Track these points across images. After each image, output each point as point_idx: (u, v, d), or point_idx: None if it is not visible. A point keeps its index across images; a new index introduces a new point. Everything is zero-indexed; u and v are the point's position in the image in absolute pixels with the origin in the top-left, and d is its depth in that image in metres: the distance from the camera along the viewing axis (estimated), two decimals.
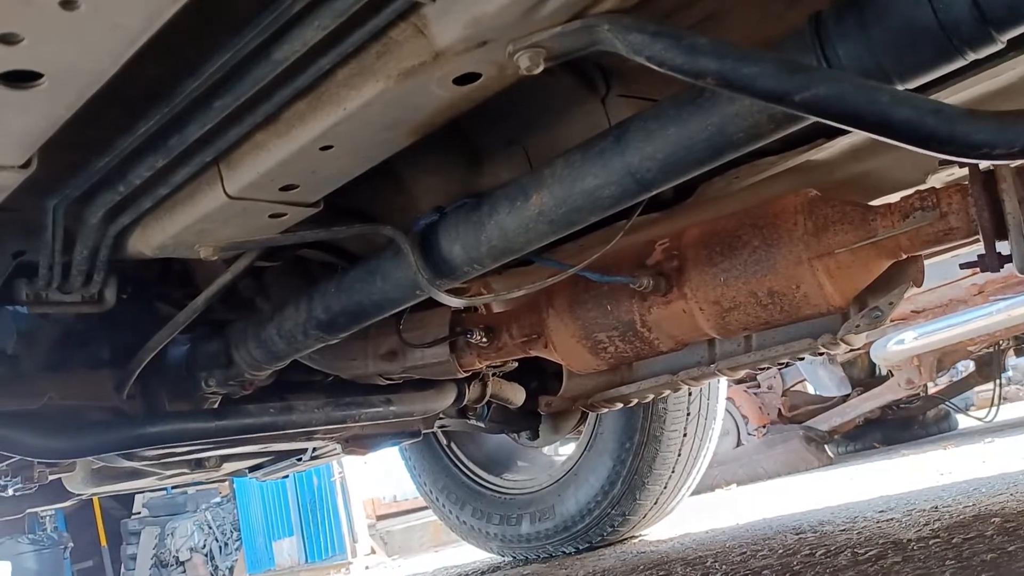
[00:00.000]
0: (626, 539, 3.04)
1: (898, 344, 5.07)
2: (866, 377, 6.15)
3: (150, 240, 1.44)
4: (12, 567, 6.78)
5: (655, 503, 2.92)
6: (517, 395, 2.55)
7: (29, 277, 1.52)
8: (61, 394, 1.69)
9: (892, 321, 5.27)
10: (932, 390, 6.24)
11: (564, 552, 3.07)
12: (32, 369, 1.74)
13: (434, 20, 1.00)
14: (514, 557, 3.26)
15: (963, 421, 6.45)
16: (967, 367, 6.41)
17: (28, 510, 2.58)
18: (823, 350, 1.75)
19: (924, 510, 2.15)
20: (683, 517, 3.36)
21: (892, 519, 2.14)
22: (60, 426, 1.64)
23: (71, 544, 8.40)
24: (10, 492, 1.96)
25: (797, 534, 2.29)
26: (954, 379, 6.59)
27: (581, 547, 3.02)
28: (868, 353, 5.55)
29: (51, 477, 2.06)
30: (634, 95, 1.59)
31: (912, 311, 5.10)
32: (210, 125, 1.14)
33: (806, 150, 1.59)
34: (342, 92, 1.11)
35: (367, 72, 1.08)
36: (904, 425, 6.36)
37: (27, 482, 1.94)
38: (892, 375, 5.66)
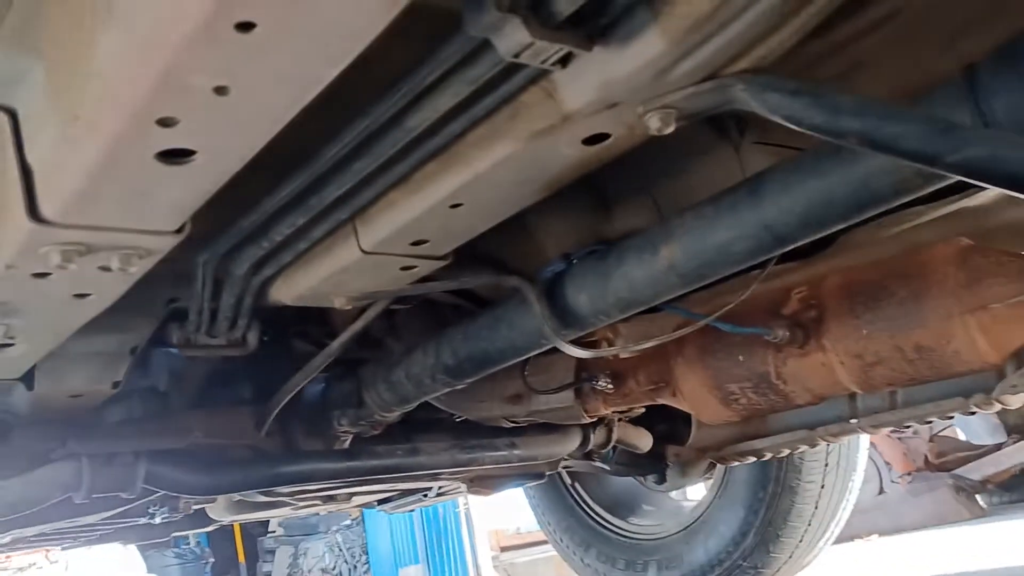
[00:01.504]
0: None
1: None
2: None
3: (290, 291, 1.50)
4: None
5: (790, 557, 2.79)
6: (643, 441, 2.50)
7: (180, 321, 1.62)
8: (205, 432, 1.78)
9: None
10: None
11: None
12: (180, 407, 1.85)
13: (564, 84, 1.00)
14: None
15: None
16: None
17: (173, 534, 2.73)
18: (975, 409, 1.63)
19: None
20: (821, 571, 3.20)
21: None
22: (205, 464, 1.72)
23: (212, 559, 8.84)
24: (157, 520, 2.08)
25: None
26: None
27: None
28: None
29: (195, 507, 2.18)
30: (770, 142, 1.54)
31: None
32: (347, 186, 1.18)
33: (958, 199, 1.50)
34: (472, 153, 1.13)
35: (497, 134, 1.09)
36: None
37: (173, 512, 2.05)
38: None
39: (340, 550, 8.21)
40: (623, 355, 2.22)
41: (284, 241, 1.33)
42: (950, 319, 1.52)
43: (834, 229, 1.20)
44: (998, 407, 1.64)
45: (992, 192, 1.59)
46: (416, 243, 1.35)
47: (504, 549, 7.78)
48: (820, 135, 0.96)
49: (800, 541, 2.74)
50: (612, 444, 2.42)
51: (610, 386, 2.04)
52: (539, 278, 1.57)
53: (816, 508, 2.70)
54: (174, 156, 0.88)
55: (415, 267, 1.44)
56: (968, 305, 1.51)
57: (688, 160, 1.62)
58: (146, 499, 1.91)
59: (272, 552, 8.88)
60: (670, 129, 1.04)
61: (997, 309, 1.52)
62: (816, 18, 0.93)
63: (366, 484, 2.15)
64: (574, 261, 1.55)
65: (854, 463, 2.75)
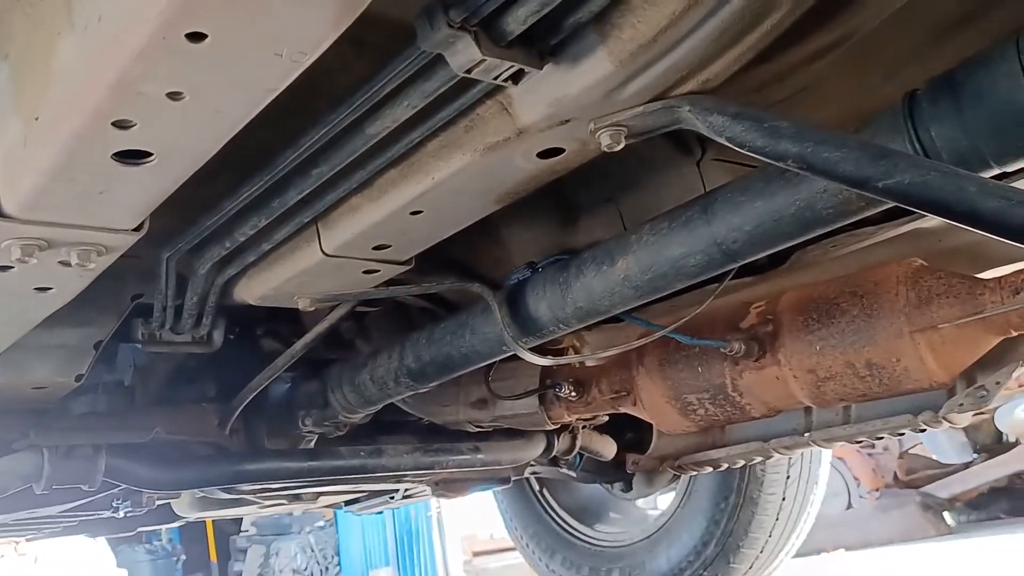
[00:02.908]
0: None
1: None
2: (992, 443, 5.78)
3: (253, 290, 1.53)
4: (128, 574, 7.14)
5: (750, 567, 2.82)
6: (608, 448, 2.53)
7: (145, 318, 1.64)
8: (168, 428, 1.80)
9: (1020, 387, 4.94)
10: None
11: None
12: (145, 402, 1.86)
13: (518, 99, 1.03)
14: None
15: None
16: None
17: (139, 529, 2.73)
18: (924, 427, 1.67)
19: None
20: None
21: None
22: (166, 459, 1.74)
23: (183, 556, 8.80)
24: (121, 514, 2.09)
25: None
26: None
27: None
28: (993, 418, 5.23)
29: (158, 502, 2.19)
30: (729, 160, 1.58)
31: None
32: (308, 190, 1.21)
33: (909, 221, 1.54)
34: (431, 163, 1.16)
35: (455, 145, 1.12)
36: None
37: (136, 507, 2.06)
38: (1019, 443, 5.30)
39: (312, 551, 8.19)
40: (588, 363, 2.25)
41: (247, 242, 1.36)
42: (900, 338, 1.56)
43: (781, 247, 1.24)
44: (946, 425, 1.68)
45: None
46: (378, 247, 1.38)
47: (476, 554, 7.79)
48: (761, 157, 0.99)
49: (760, 552, 2.77)
50: (576, 451, 2.44)
51: (573, 394, 2.06)
52: (503, 285, 1.60)
53: (777, 520, 2.74)
54: (131, 157, 0.90)
55: (377, 271, 1.47)
56: (918, 324, 1.55)
57: (652, 174, 1.66)
58: (109, 492, 1.92)
59: (244, 551, 8.85)
60: (620, 146, 1.07)
61: (946, 329, 1.56)
62: (756, 47, 0.96)
63: (330, 484, 2.16)
64: (539, 269, 1.57)
65: (815, 476, 2.79)
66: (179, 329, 1.64)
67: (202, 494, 2.19)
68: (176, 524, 2.93)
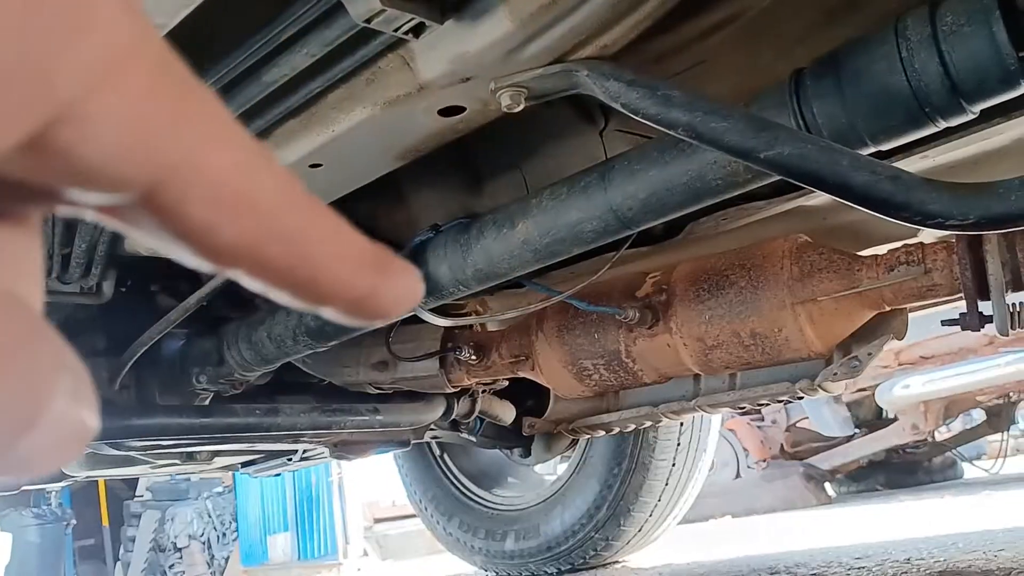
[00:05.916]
0: (608, 564, 3.05)
1: (904, 389, 5.04)
2: (872, 418, 6.12)
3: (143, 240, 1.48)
4: (13, 539, 6.86)
5: (639, 530, 2.92)
6: (507, 413, 2.57)
7: None
8: None
9: (900, 365, 5.24)
10: (942, 437, 6.19)
11: (546, 572, 3.08)
12: None
13: (420, 54, 1.03)
14: (497, 573, 3.27)
15: (969, 471, 6.38)
16: (982, 415, 6.35)
17: (23, 487, 2.63)
18: (801, 394, 1.76)
19: (897, 561, 2.15)
20: (669, 546, 3.37)
21: (864, 567, 2.14)
22: None
23: (74, 521, 8.49)
24: None
25: (771, 574, 2.30)
26: (968, 427, 6.53)
27: (563, 568, 3.04)
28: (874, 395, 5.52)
29: None
30: (630, 131, 1.62)
31: (921, 357, 5.07)
32: None
33: (794, 197, 1.61)
34: (331, 115, 1.15)
35: (356, 98, 1.12)
36: (909, 470, 6.31)
37: None
38: (897, 419, 5.62)
39: (209, 516, 8.03)
40: (489, 327, 2.28)
41: None
42: (783, 309, 1.64)
43: (674, 216, 1.28)
44: (821, 393, 1.77)
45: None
46: None
47: (378, 521, 7.80)
48: (654, 124, 1.03)
49: (650, 515, 2.87)
50: (475, 415, 2.48)
51: (473, 357, 2.09)
52: (406, 246, 1.60)
53: (666, 485, 2.84)
54: None
55: None
56: (799, 297, 1.63)
57: (557, 142, 1.69)
58: None
59: (138, 516, 8.60)
60: (520, 107, 1.09)
61: (825, 302, 1.64)
62: (653, 15, 0.99)
63: (223, 443, 2.13)
64: (441, 230, 1.59)
65: (704, 444, 2.90)
66: (67, 278, 1.59)
67: (90, 450, 2.12)
68: (64, 483, 2.84)
